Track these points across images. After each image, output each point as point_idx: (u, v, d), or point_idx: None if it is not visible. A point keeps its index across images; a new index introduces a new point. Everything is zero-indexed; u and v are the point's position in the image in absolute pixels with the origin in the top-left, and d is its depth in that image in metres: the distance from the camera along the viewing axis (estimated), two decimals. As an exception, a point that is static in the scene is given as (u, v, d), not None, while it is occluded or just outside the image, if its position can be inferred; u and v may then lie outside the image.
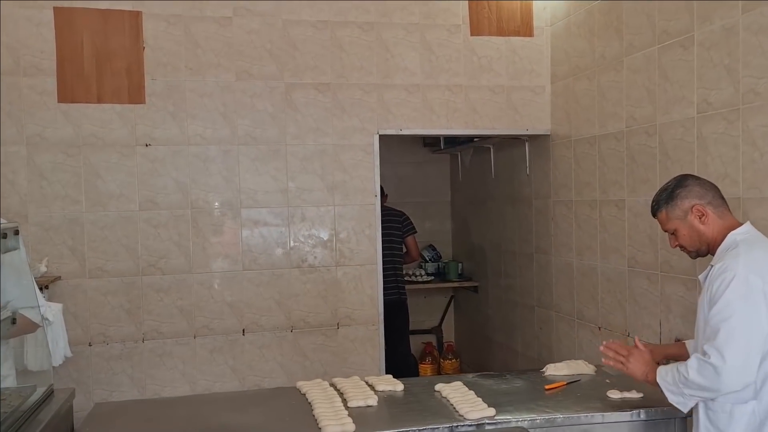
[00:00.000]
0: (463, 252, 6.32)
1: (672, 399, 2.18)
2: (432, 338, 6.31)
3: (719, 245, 2.21)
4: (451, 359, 6.09)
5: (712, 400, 2.14)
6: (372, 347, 4.19)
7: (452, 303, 6.44)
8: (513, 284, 5.10)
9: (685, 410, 2.19)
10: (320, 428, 2.27)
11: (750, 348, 2.02)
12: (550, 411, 2.41)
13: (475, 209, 5.99)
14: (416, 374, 5.56)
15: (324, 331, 4.12)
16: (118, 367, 3.80)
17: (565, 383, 2.70)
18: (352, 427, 2.26)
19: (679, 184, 2.28)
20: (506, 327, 5.25)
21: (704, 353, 2.06)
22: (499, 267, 5.38)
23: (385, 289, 5.06)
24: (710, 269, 2.20)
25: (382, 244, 5.10)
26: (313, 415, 2.40)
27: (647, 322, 3.45)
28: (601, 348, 2.47)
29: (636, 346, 2.43)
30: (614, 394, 2.56)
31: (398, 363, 5.24)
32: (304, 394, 2.66)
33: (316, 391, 2.64)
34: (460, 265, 6.15)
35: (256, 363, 4.02)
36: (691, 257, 2.34)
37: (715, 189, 2.28)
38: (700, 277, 2.28)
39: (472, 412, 2.35)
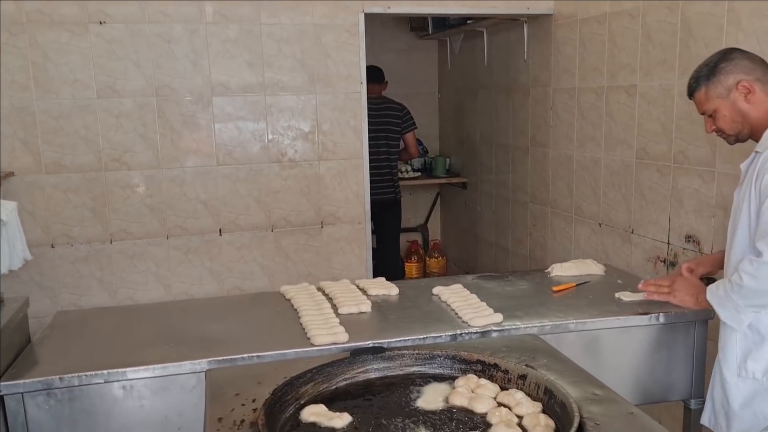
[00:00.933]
0: (451, 146, 6.01)
1: (724, 316, 1.97)
2: (418, 236, 6.11)
3: (765, 129, 1.92)
4: (437, 258, 5.92)
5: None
6: (359, 247, 3.95)
7: (438, 200, 6.20)
8: (505, 180, 4.84)
9: (741, 327, 1.96)
10: (309, 338, 2.03)
11: None
12: (561, 316, 2.19)
13: (464, 100, 5.61)
14: (402, 275, 5.40)
15: (307, 231, 3.85)
16: (85, 269, 3.52)
17: (574, 285, 2.48)
18: (345, 336, 2.02)
19: (724, 57, 1.95)
20: (496, 224, 5.04)
21: (758, 253, 1.82)
22: (491, 162, 5.09)
23: (380, 187, 4.81)
24: (755, 156, 1.93)
25: (378, 139, 4.78)
26: (300, 324, 2.15)
27: (655, 218, 3.22)
28: (640, 286, 2.33)
29: (680, 274, 2.31)
30: (626, 297, 2.35)
31: (385, 264, 5.05)
32: (290, 300, 2.41)
33: (303, 297, 2.39)
34: (447, 160, 5.86)
35: (235, 264, 3.77)
36: (729, 142, 2.05)
37: (764, 64, 1.96)
38: (742, 166, 2.01)
39: (476, 319, 2.12)
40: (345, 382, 1.77)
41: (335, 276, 3.89)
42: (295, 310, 2.29)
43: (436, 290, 2.45)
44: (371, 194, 3.93)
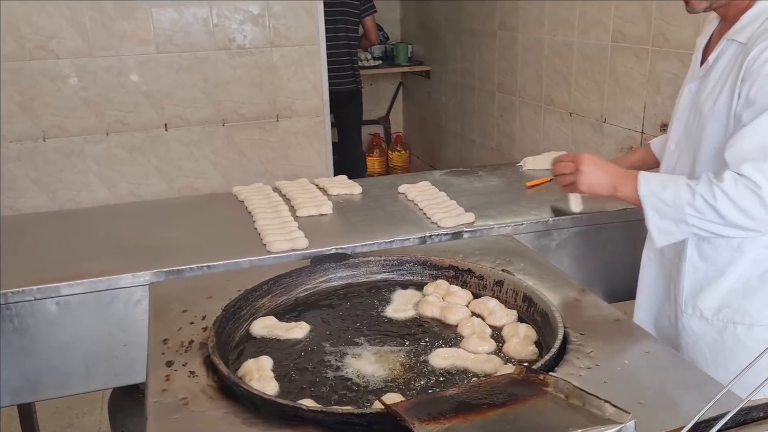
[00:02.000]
0: (414, 33, 5.66)
1: (658, 225, 1.49)
2: (379, 129, 5.88)
3: (744, 10, 1.51)
4: (399, 151, 5.73)
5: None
6: (318, 142, 3.71)
7: (400, 90, 5.91)
8: (470, 68, 4.58)
9: (667, 242, 1.53)
10: (265, 245, 1.84)
11: None
12: (536, 213, 2.04)
13: (427, -19, 5.23)
14: (364, 171, 5.21)
15: (261, 125, 3.59)
16: (18, 170, 3.22)
17: (548, 179, 2.32)
18: (304, 242, 1.84)
19: None
20: (461, 115, 4.83)
21: (748, 178, 1.37)
22: (455, 49, 4.81)
23: (339, 77, 4.51)
24: (727, 46, 1.53)
25: (336, 23, 4.44)
26: (255, 229, 1.96)
27: (629, 106, 3.06)
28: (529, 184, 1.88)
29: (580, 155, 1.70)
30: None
31: (347, 158, 4.84)
32: (243, 202, 2.20)
33: (257, 198, 2.19)
34: (409, 47, 5.54)
35: (185, 162, 3.51)
36: (696, 10, 1.58)
37: None
38: (711, 57, 1.57)
39: (446, 219, 1.96)
40: (305, 293, 1.61)
41: (294, 173, 3.68)
42: (250, 213, 2.10)
43: (402, 188, 2.27)
44: (330, 85, 3.65)
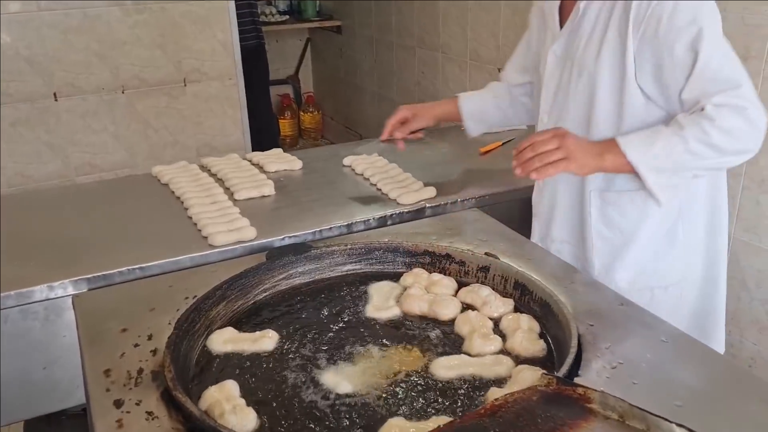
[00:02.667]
0: (320, -16, 5.33)
1: (659, 183, 1.34)
2: (288, 89, 5.55)
3: None
4: (312, 112, 5.45)
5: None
6: (231, 107, 3.39)
7: (309, 47, 5.59)
8: (387, 22, 4.35)
9: (672, 197, 1.40)
10: (205, 237, 1.59)
11: None
12: (498, 183, 1.90)
13: (333, -72, 4.90)
14: (278, 135, 4.89)
15: (167, 91, 3.22)
16: None
17: (500, 143, 2.18)
18: (252, 231, 1.61)
19: None
20: (379, 73, 4.61)
21: (726, 105, 1.27)
22: (369, 2, 4.55)
23: (240, 32, 4.12)
24: None
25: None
26: (190, 218, 1.70)
27: (563, 62, 2.96)
28: (514, 164, 1.41)
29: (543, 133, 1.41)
30: None
31: (257, 122, 4.51)
32: (168, 185, 1.92)
33: (185, 180, 1.91)
34: (318, 1, 5.20)
35: (81, 136, 3.10)
36: None
37: None
38: (580, 8, 1.42)
39: (406, 195, 1.78)
40: (265, 294, 1.40)
41: (207, 143, 3.36)
42: (179, 199, 1.82)
43: (347, 160, 2.07)
44: (232, 42, 3.32)
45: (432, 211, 1.77)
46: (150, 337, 1.20)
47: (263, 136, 4.49)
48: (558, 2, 1.51)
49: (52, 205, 1.88)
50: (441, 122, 1.91)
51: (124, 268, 1.47)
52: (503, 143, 2.19)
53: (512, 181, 1.88)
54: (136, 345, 1.19)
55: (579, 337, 1.13)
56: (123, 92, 3.12)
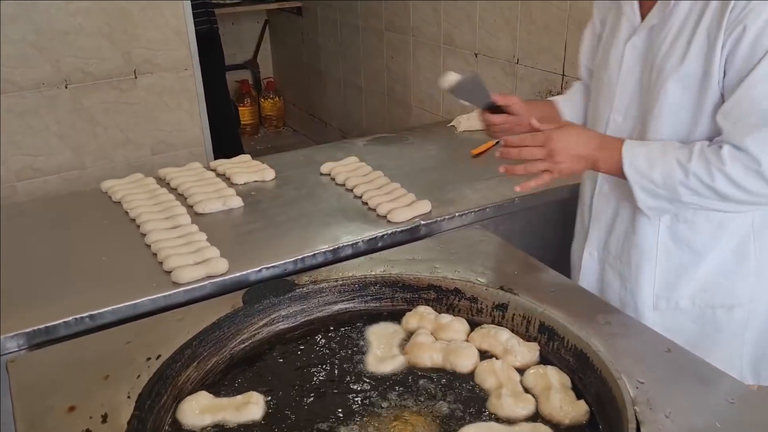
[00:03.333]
0: (278, -37, 5.00)
1: (649, 204, 1.25)
2: (247, 75, 5.23)
3: None
4: (273, 98, 5.16)
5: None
6: (188, 100, 3.10)
7: (267, 29, 5.27)
8: (352, 4, 4.08)
9: (660, 216, 1.31)
10: (168, 272, 1.35)
11: None
12: (496, 191, 1.70)
13: None
14: (238, 124, 4.61)
15: (117, 84, 2.91)
16: None
17: (493, 143, 1.98)
18: (223, 264, 1.37)
19: None
20: (344, 57, 4.34)
21: (747, 153, 1.14)
22: (331, -19, 4.27)
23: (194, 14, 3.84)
24: None
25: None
26: (147, 246, 1.45)
27: (547, 46, 2.77)
28: (501, 168, 1.31)
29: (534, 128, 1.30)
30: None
31: (216, 112, 4.21)
32: (120, 203, 1.66)
33: (140, 197, 1.65)
34: (275, -20, 4.89)
35: (20, 137, 2.79)
36: None
37: None
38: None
39: (398, 211, 1.56)
40: (243, 346, 1.17)
41: (163, 141, 3.07)
42: (134, 221, 1.57)
43: (325, 168, 1.83)
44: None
45: (427, 229, 1.56)
46: (105, 418, 0.97)
47: (222, 127, 4.21)
48: None
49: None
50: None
51: (70, 318, 1.23)
52: (496, 142, 1.98)
53: (509, 189, 1.68)
54: (87, 429, 0.95)
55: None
56: (66, 87, 2.81)
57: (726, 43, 1.17)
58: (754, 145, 1.13)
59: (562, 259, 1.72)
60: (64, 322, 1.22)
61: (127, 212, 1.61)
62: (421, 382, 1.07)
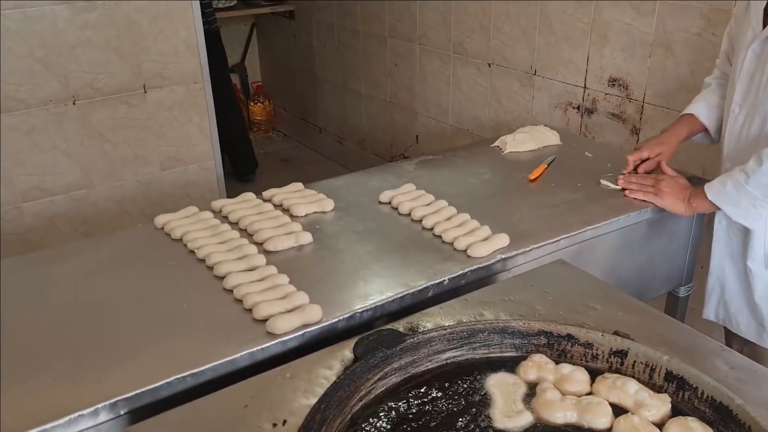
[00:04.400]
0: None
1: (737, 215, 1.60)
2: (234, 79, 5.11)
3: None
4: (262, 103, 5.07)
5: None
6: (198, 114, 3.01)
7: (254, 32, 5.15)
8: (351, 8, 4.01)
9: (757, 224, 1.62)
10: (259, 321, 1.30)
11: None
12: (565, 220, 1.68)
13: None
14: (245, 128, 4.50)
15: (126, 99, 2.81)
16: None
17: (546, 165, 1.97)
18: (316, 311, 1.32)
19: None
20: (342, 62, 4.28)
21: None
22: (327, -15, 4.19)
23: None
24: None
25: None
26: (228, 292, 1.39)
27: (569, 57, 2.77)
28: (620, 182, 1.84)
29: (664, 172, 1.82)
30: (611, 184, 1.85)
31: (224, 120, 4.12)
32: (182, 240, 1.58)
33: (203, 235, 1.58)
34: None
35: (26, 156, 2.66)
36: None
37: None
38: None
39: (477, 246, 1.53)
40: (361, 404, 1.13)
41: (172, 156, 2.98)
42: (202, 261, 1.50)
43: (384, 196, 1.79)
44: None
45: (508, 263, 1.53)
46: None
47: (232, 127, 4.11)
48: (765, 2, 1.56)
49: (28, 280, 1.50)
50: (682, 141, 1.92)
51: (171, 378, 1.16)
52: (548, 165, 1.97)
53: (582, 214, 1.68)
54: None
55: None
56: (74, 103, 2.69)
57: None
58: None
59: (632, 285, 1.72)
60: (166, 382, 1.15)
61: (192, 251, 1.54)
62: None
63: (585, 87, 2.75)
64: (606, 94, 2.67)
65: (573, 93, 2.80)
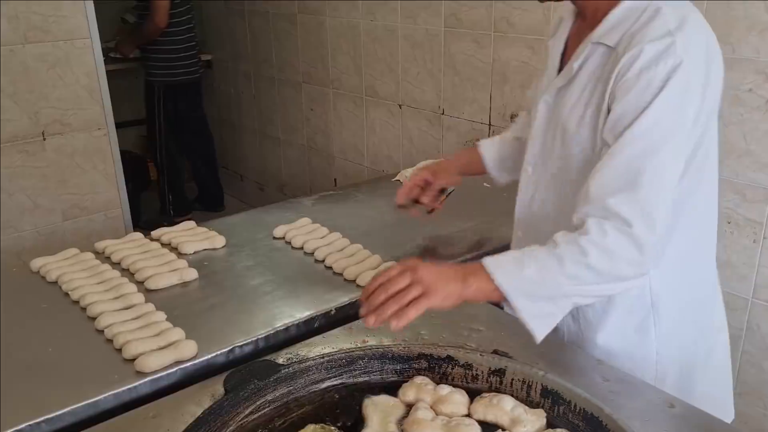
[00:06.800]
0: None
1: (533, 312, 1.13)
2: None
3: (607, 9, 1.18)
4: (182, 152, 4.97)
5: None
6: (102, 161, 2.93)
7: (173, 82, 5.10)
8: (266, 56, 4.04)
9: (548, 329, 1.15)
10: (129, 360, 1.23)
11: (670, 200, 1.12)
12: (456, 247, 1.68)
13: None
14: (220, 192, 4.56)
15: (23, 147, 2.71)
16: None
17: (444, 198, 1.97)
18: (191, 347, 1.26)
19: None
20: (259, 110, 4.28)
21: (617, 216, 1.08)
22: (244, 34, 4.22)
23: (187, 65, 3.97)
24: (593, 50, 1.20)
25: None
26: (99, 332, 1.31)
27: (473, 96, 2.84)
28: (362, 312, 1.12)
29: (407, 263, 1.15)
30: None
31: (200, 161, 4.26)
32: (57, 283, 1.50)
33: (80, 277, 1.50)
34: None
35: None
36: None
37: None
38: (575, 64, 1.22)
39: (365, 275, 1.50)
40: (231, 439, 1.07)
41: (75, 204, 2.88)
42: (76, 303, 1.42)
43: (278, 231, 1.75)
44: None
45: (398, 290, 1.51)
46: None
47: (212, 194, 4.55)
48: (562, 43, 1.30)
49: None
50: (466, 175, 1.67)
51: (23, 425, 1.07)
52: (447, 195, 1.98)
53: (469, 241, 1.68)
54: None
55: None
56: (-37, 153, 2.58)
57: (608, 106, 1.14)
58: (621, 204, 1.08)
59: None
60: (17, 431, 1.06)
61: (67, 294, 1.45)
62: (430, 462, 1.01)
63: (490, 124, 2.81)
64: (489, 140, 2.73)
65: (479, 130, 2.86)
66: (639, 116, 1.08)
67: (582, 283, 1.11)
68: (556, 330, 1.22)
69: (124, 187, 3.01)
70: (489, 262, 1.13)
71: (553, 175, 1.30)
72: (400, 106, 3.21)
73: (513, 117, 2.70)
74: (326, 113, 3.69)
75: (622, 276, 1.12)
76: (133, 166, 3.96)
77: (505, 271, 1.11)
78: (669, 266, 1.21)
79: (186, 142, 4.30)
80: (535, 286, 1.11)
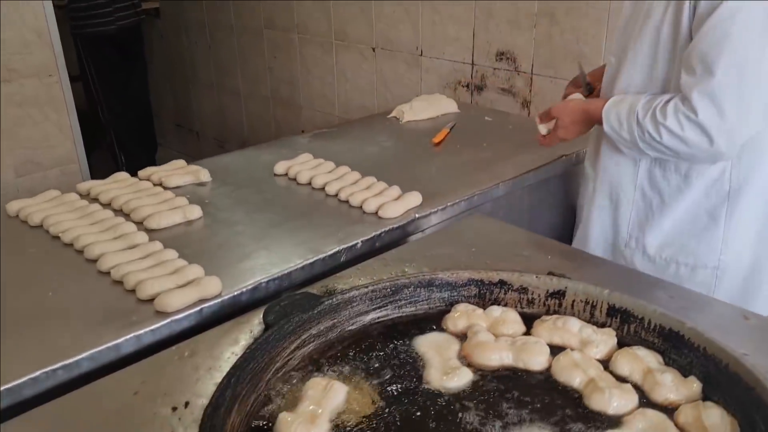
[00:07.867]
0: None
1: (628, 153, 1.37)
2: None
3: None
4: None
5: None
6: (55, 110, 2.68)
7: (117, 35, 4.77)
8: (221, 3, 3.80)
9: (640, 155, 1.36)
10: (146, 300, 1.09)
11: (761, 89, 1.21)
12: (474, 176, 1.59)
13: None
14: (154, 140, 4.27)
15: (-34, 95, 2.44)
16: None
17: (448, 129, 1.88)
18: (215, 283, 1.13)
19: None
20: (216, 61, 4.04)
21: (686, 102, 1.21)
22: (195, -21, 3.96)
23: (121, 8, 3.67)
24: None
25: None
26: (105, 274, 1.17)
27: (455, 34, 2.72)
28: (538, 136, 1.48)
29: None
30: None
31: (133, 122, 3.94)
32: (42, 226, 1.33)
33: (69, 218, 1.34)
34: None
35: None
36: None
37: None
38: None
39: (389, 206, 1.39)
40: (277, 377, 0.95)
41: (29, 159, 2.64)
42: (70, 245, 1.26)
43: (280, 167, 1.61)
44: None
45: (422, 223, 1.41)
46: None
47: (142, 122, 4.17)
48: None
49: None
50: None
51: (38, 373, 0.93)
52: (450, 129, 1.89)
53: (493, 171, 1.60)
54: None
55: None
56: None
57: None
58: (697, 95, 1.19)
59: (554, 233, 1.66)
60: (31, 378, 0.92)
61: (57, 237, 1.29)
62: (494, 388, 0.92)
63: (473, 63, 2.71)
64: (494, 68, 2.64)
65: (462, 71, 2.76)
66: (717, 7, 1.15)
67: (656, 152, 1.30)
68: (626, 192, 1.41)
69: (81, 139, 2.78)
70: (604, 113, 1.35)
71: (627, 60, 1.37)
72: (373, 49, 3.06)
73: (499, 55, 2.61)
74: (291, 61, 3.51)
75: (686, 155, 1.27)
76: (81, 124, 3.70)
77: (609, 120, 1.34)
78: (752, 162, 1.30)
79: (128, 97, 4.04)
80: (629, 144, 1.33)
